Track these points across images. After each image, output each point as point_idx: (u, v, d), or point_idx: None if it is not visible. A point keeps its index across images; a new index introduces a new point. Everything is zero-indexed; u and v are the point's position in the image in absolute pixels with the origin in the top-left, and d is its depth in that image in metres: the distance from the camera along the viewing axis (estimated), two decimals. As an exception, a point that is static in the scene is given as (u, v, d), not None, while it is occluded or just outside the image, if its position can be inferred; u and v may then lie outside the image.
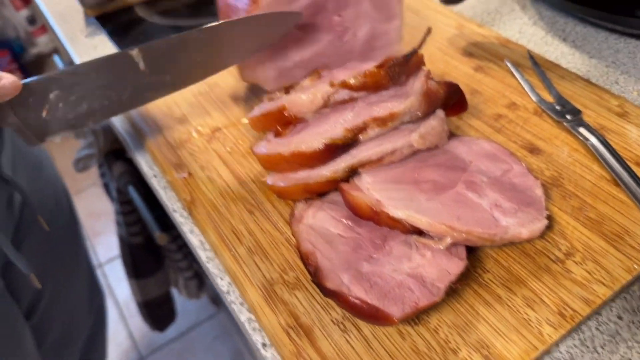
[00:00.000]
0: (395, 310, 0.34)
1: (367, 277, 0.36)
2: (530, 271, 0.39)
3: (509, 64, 0.56)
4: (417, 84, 0.45)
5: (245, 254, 0.43)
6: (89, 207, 2.19)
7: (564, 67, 0.56)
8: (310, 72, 0.50)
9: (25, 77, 0.45)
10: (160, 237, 0.92)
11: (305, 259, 0.38)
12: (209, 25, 0.48)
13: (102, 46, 0.76)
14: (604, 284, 0.37)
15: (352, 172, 0.43)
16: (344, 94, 0.45)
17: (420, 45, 0.45)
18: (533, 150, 0.48)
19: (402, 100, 0.43)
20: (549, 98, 0.52)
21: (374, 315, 0.34)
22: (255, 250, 0.43)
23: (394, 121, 0.43)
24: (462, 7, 0.71)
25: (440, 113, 0.45)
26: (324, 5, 0.51)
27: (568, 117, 0.49)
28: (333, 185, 0.43)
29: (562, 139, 0.48)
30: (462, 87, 0.54)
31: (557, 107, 0.50)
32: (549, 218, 0.41)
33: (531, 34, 0.65)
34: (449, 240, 0.37)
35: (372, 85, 0.44)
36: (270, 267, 0.42)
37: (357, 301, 0.34)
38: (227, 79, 0.61)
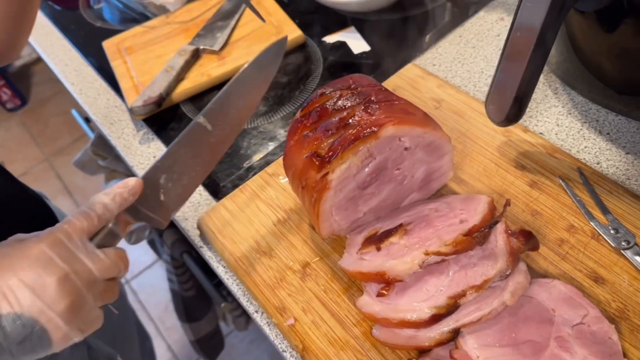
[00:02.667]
0: None
1: None
2: (617, 413, 0.47)
3: (561, 182, 0.62)
4: (500, 243, 0.52)
5: (369, 408, 0.51)
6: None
7: (611, 179, 0.62)
8: (396, 229, 0.56)
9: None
10: (225, 306, 0.99)
11: None
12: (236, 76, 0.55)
13: (156, 150, 0.80)
14: (680, 423, 0.46)
15: (456, 332, 0.50)
16: (435, 257, 0.52)
17: (500, 216, 0.51)
18: (597, 279, 0.55)
19: (493, 264, 0.50)
20: (603, 219, 0.59)
21: None
22: (376, 402, 0.51)
23: (488, 285, 0.50)
24: (499, 96, 0.76)
25: (522, 266, 0.52)
26: (385, 165, 0.57)
27: (624, 244, 0.56)
28: (439, 344, 0.50)
29: (620, 265, 0.55)
30: (523, 207, 0.61)
31: (612, 231, 0.57)
32: (625, 356, 0.49)
33: (568, 127, 0.71)
34: (554, 405, 0.45)
35: (462, 251, 0.51)
36: (395, 420, 0.50)
37: None
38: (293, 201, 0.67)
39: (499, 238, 0.52)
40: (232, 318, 1.34)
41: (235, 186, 0.74)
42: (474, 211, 0.55)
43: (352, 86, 0.59)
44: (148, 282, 2.13)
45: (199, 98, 0.87)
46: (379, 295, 0.53)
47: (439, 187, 0.64)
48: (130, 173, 1.21)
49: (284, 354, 0.58)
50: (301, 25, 0.91)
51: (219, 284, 1.00)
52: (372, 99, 0.57)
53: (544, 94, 0.76)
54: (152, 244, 1.26)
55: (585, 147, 0.69)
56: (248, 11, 0.96)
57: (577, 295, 0.52)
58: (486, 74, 0.80)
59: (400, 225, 0.56)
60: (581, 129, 0.71)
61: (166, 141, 0.82)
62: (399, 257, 0.53)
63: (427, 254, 0.51)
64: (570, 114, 0.73)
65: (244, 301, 0.63)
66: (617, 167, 0.66)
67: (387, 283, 0.53)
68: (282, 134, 0.79)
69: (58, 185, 2.48)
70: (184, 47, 0.89)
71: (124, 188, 0.48)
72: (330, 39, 0.91)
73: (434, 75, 0.78)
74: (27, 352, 0.41)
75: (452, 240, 0.51)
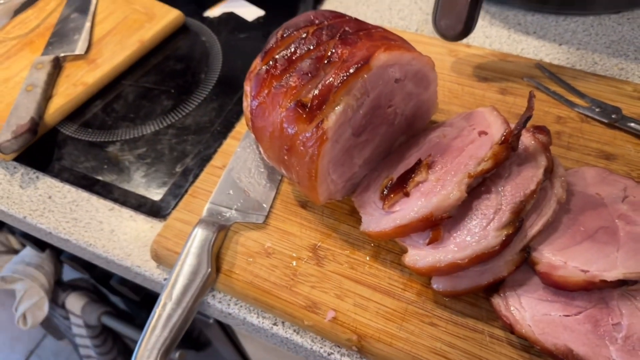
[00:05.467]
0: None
1: (630, 344, 0.39)
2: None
3: (529, 81, 0.60)
4: (531, 143, 0.47)
5: (466, 370, 0.43)
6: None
7: (569, 67, 0.62)
8: (416, 167, 0.49)
9: None
10: (180, 354, 0.82)
11: (562, 356, 0.40)
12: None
13: (49, 189, 0.62)
14: None
15: (526, 250, 0.44)
16: (478, 178, 0.45)
17: (531, 110, 0.46)
18: (608, 157, 0.54)
19: (536, 164, 0.46)
20: (582, 102, 0.58)
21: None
22: (472, 361, 0.43)
23: (540, 185, 0.45)
24: (412, 25, 0.73)
25: (556, 160, 0.48)
26: (378, 103, 0.49)
27: (614, 117, 0.56)
28: (515, 269, 0.44)
29: (620, 138, 0.55)
30: (506, 114, 0.58)
31: (597, 110, 0.57)
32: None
33: (497, 35, 0.70)
34: (657, 280, 0.41)
35: (501, 162, 0.45)
36: (501, 370, 0.43)
37: (652, 376, 0.37)
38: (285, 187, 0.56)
39: (525, 139, 0.48)
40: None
41: (176, 196, 0.59)
42: (486, 122, 0.50)
43: (317, 21, 0.50)
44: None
45: (79, 113, 0.69)
46: (432, 241, 0.45)
47: (424, 125, 0.58)
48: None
49: (331, 356, 0.47)
50: (172, 5, 0.78)
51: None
52: (346, 29, 0.48)
53: (459, 13, 0.74)
54: (47, 322, 1.01)
55: (522, 49, 0.68)
56: (103, 5, 0.80)
57: (607, 173, 0.50)
58: (395, 9, 0.76)
59: (419, 160, 0.49)
60: (509, 35, 0.70)
61: (58, 175, 0.63)
62: (438, 191, 0.45)
63: (470, 176, 0.44)
64: (492, 24, 0.72)
65: (253, 320, 0.50)
66: (559, 59, 0.66)
67: (434, 225, 0.45)
68: (206, 123, 0.66)
69: None
70: (39, 59, 0.70)
71: None
72: (213, 12, 0.79)
73: (349, 19, 0.72)
74: None
75: (490, 153, 0.45)
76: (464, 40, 0.66)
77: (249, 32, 0.77)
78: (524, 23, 0.71)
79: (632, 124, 0.55)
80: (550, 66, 0.62)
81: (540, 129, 0.49)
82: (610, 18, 0.70)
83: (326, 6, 0.78)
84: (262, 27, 0.77)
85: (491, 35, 0.70)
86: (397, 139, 0.55)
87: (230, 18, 0.79)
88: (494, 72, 0.62)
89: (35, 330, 1.85)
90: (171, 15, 0.77)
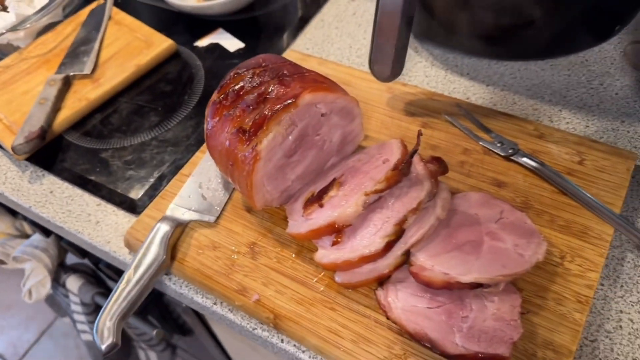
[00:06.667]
0: (503, 350, 0.49)
1: (471, 333, 0.51)
2: (546, 279, 0.57)
3: (447, 117, 0.72)
4: (421, 170, 0.59)
5: (352, 346, 0.55)
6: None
7: (481, 105, 0.74)
8: (331, 184, 0.61)
9: None
10: (158, 332, 0.95)
11: (419, 338, 0.51)
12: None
13: (51, 185, 0.76)
14: (591, 270, 0.57)
15: (407, 254, 0.56)
16: (374, 196, 0.57)
17: (417, 145, 0.58)
18: (499, 184, 0.65)
19: (421, 188, 0.57)
20: (487, 137, 0.70)
21: (492, 359, 0.49)
22: (357, 339, 0.55)
23: (422, 206, 0.57)
24: (366, 62, 0.86)
25: (443, 185, 0.60)
26: (306, 132, 0.61)
27: (510, 151, 0.67)
28: (396, 268, 0.56)
29: (513, 169, 0.66)
30: (423, 145, 0.70)
31: (498, 144, 0.68)
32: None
33: (435, 75, 0.82)
34: (502, 284, 0.53)
35: (393, 184, 0.57)
36: (378, 348, 0.54)
37: (478, 355, 0.49)
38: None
39: (418, 167, 0.60)
40: (157, 354, 1.28)
41: (151, 197, 0.73)
42: (392, 151, 0.62)
43: (263, 64, 0.63)
44: (39, 358, 1.92)
45: (82, 124, 0.84)
46: (334, 244, 0.57)
47: (354, 149, 0.70)
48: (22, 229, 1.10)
49: (255, 331, 0.60)
50: (169, 36, 0.92)
51: (144, 311, 0.96)
52: (284, 72, 0.61)
53: (408, 54, 0.86)
54: (51, 300, 1.16)
55: (454, 88, 0.80)
56: (110, 32, 0.94)
57: (490, 198, 0.62)
58: (354, 48, 0.89)
59: (334, 179, 0.61)
60: (446, 75, 0.82)
61: (59, 174, 0.77)
62: (342, 205, 0.57)
63: (366, 194, 0.56)
64: (433, 65, 0.84)
65: (198, 299, 0.63)
66: (484, 98, 0.78)
67: (338, 231, 0.57)
68: (183, 138, 0.80)
69: None
70: (52, 76, 0.85)
71: None
72: (202, 42, 0.93)
73: (313, 56, 0.84)
74: None
75: (383, 177, 0.57)
76: (403, 79, 0.78)
77: (230, 60, 0.90)
78: (460, 65, 0.83)
79: (525, 159, 0.66)
80: (468, 105, 0.74)
81: (434, 160, 0.61)
82: (536, 64, 0.82)
83: (298, 43, 0.91)
84: (242, 57, 0.90)
85: (430, 75, 0.82)
86: (328, 160, 0.68)
87: (216, 48, 0.92)
88: (420, 108, 0.74)
89: (48, 312, 2.02)
90: (165, 44, 0.90)
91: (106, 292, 1.01)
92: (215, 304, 0.63)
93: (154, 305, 0.96)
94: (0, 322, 2.02)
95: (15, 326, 2.02)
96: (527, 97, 0.77)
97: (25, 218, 1.08)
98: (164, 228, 0.64)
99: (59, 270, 1.02)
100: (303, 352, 0.58)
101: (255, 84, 0.61)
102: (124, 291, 0.60)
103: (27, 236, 1.08)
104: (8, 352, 1.95)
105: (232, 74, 0.64)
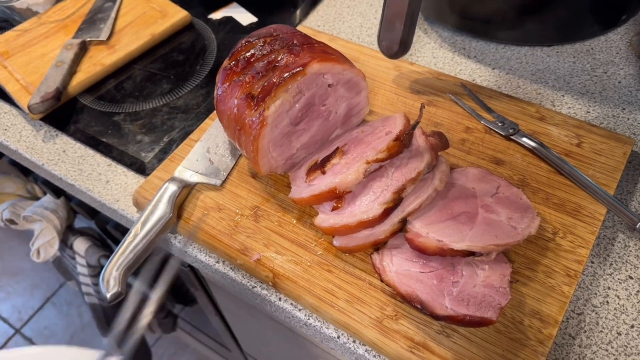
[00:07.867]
0: (491, 314, 0.51)
1: (460, 297, 0.53)
2: (538, 252, 0.59)
3: (451, 96, 0.74)
4: (422, 143, 0.61)
5: (346, 306, 0.57)
6: None
7: (486, 87, 0.75)
8: (334, 152, 0.63)
9: None
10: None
11: (410, 300, 0.54)
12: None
13: (64, 144, 0.79)
14: (582, 246, 0.59)
15: (404, 221, 0.58)
16: (374, 165, 0.59)
17: (420, 117, 0.60)
18: (498, 162, 0.67)
19: (421, 159, 0.59)
20: (490, 117, 0.71)
21: (478, 323, 0.51)
22: (351, 300, 0.57)
23: (420, 176, 0.59)
24: (375, 41, 0.87)
25: (442, 159, 0.62)
26: (313, 102, 0.63)
27: (511, 131, 0.69)
28: (392, 235, 0.58)
29: (512, 148, 0.68)
30: (426, 122, 0.71)
31: (499, 124, 0.70)
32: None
33: (442, 57, 0.84)
34: (494, 254, 0.55)
35: (394, 154, 0.59)
36: (371, 308, 0.57)
37: (466, 317, 0.51)
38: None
39: (419, 140, 0.62)
40: (158, 321, 1.31)
41: (160, 160, 0.75)
42: (395, 124, 0.64)
43: (274, 33, 0.65)
44: (42, 325, 1.96)
45: (96, 88, 0.86)
46: (334, 209, 0.60)
47: (358, 122, 0.72)
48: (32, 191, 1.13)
49: (254, 289, 0.62)
50: (184, 8, 0.94)
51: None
52: (294, 42, 0.63)
53: (417, 35, 0.88)
54: (58, 262, 1.19)
55: (461, 70, 0.82)
56: (127, 1, 0.96)
57: (488, 174, 0.63)
58: (365, 27, 0.90)
59: (337, 148, 0.63)
60: (453, 57, 0.84)
61: (72, 135, 0.80)
62: (344, 172, 0.59)
63: (368, 162, 0.58)
64: (441, 47, 0.86)
65: (202, 257, 0.66)
66: (489, 81, 0.79)
67: (338, 197, 0.60)
68: (193, 105, 0.82)
69: None
70: (70, 41, 0.87)
71: None
72: (216, 15, 0.95)
73: (323, 32, 0.86)
74: None
75: (385, 147, 0.59)
76: (411, 59, 0.80)
77: (242, 34, 0.92)
78: (468, 48, 0.84)
79: (524, 139, 0.68)
80: (472, 85, 0.75)
81: (435, 134, 0.63)
82: (542, 50, 0.83)
83: (310, 20, 0.93)
84: (254, 29, 0.92)
85: (438, 56, 0.84)
86: (333, 132, 0.70)
87: (229, 21, 0.94)
88: (426, 87, 0.76)
89: (53, 279, 2.06)
90: (180, 15, 0.92)
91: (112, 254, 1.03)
92: (217, 262, 0.65)
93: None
94: (7, 288, 2.07)
95: (21, 292, 2.06)
96: (532, 81, 0.79)
97: (36, 180, 1.11)
98: (171, 188, 0.66)
99: (67, 233, 1.04)
100: (299, 310, 0.60)
101: (265, 52, 0.63)
102: (130, 244, 0.62)
103: (37, 198, 1.10)
104: (13, 317, 2.00)
105: (243, 41, 0.66)
